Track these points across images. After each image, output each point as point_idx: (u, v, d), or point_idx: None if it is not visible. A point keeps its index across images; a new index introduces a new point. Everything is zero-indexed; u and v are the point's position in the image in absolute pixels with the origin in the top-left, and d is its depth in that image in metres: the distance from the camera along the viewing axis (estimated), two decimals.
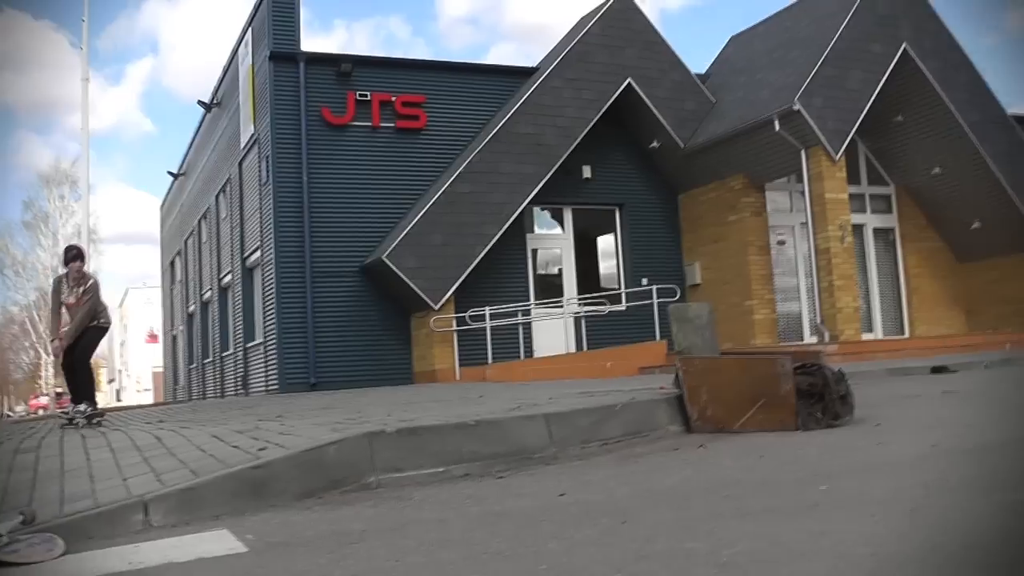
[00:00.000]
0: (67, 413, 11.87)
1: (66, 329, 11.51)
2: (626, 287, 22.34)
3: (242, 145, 23.13)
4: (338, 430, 6.01)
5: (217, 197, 26.67)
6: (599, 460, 6.09)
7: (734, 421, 7.00)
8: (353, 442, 5.48)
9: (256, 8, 22.17)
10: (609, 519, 4.04)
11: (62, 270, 11.85)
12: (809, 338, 22.28)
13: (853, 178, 23.45)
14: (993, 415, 7.46)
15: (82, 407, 11.48)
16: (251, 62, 22.31)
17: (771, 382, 6.98)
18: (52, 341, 12.29)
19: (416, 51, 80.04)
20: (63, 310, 11.69)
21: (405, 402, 10.51)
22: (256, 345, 22.13)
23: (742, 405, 7.02)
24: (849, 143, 21.27)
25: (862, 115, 21.24)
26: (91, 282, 11.71)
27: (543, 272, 22.64)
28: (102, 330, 11.92)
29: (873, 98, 21.48)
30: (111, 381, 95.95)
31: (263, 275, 21.43)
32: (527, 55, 59.31)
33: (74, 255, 11.71)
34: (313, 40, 72.41)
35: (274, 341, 20.23)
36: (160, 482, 5.04)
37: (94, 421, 11.39)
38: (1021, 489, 4.10)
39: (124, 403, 64.24)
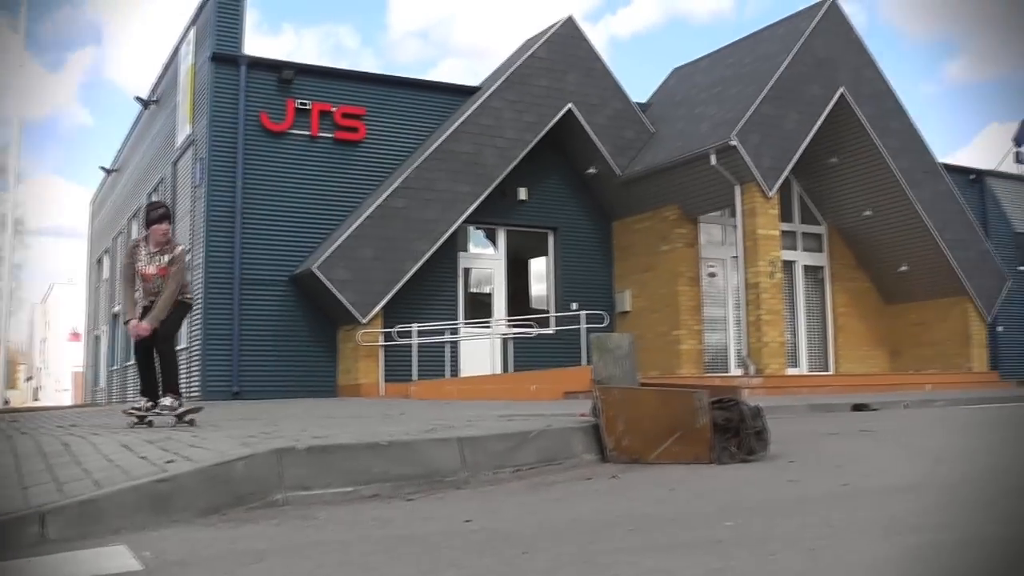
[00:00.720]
0: (138, 410, 9.50)
1: (145, 304, 9.52)
2: (556, 311, 22.38)
3: (177, 145, 22.89)
4: (249, 444, 5.93)
5: (149, 196, 26.32)
6: (511, 486, 6.06)
7: (650, 452, 7.00)
8: (262, 458, 5.40)
9: (201, 7, 21.98)
10: (512, 549, 4.02)
11: (139, 233, 9.96)
12: (735, 370, 22.46)
13: (786, 216, 23.79)
14: (906, 456, 7.53)
15: (168, 401, 9.46)
16: (192, 61, 22.10)
17: (688, 415, 7.00)
18: (127, 321, 9.71)
19: (364, 61, 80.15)
20: (143, 285, 9.62)
21: (324, 416, 10.43)
22: (179, 350, 21.80)
23: (658, 437, 7.03)
24: (784, 181, 21.54)
25: (797, 154, 21.53)
26: (179, 249, 9.81)
27: (475, 291, 22.62)
28: (187, 307, 10.20)
29: (809, 139, 21.80)
30: (29, 379, 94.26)
31: (191, 279, 21.19)
32: (475, 72, 59.64)
33: (161, 214, 9.66)
34: (260, 42, 72.23)
35: (198, 347, 19.99)
36: (61, 492, 4.89)
37: (186, 419, 9.32)
38: (924, 532, 4.13)
39: (41, 403, 63.14)
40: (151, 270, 9.52)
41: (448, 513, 5.13)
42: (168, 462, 5.49)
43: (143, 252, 9.57)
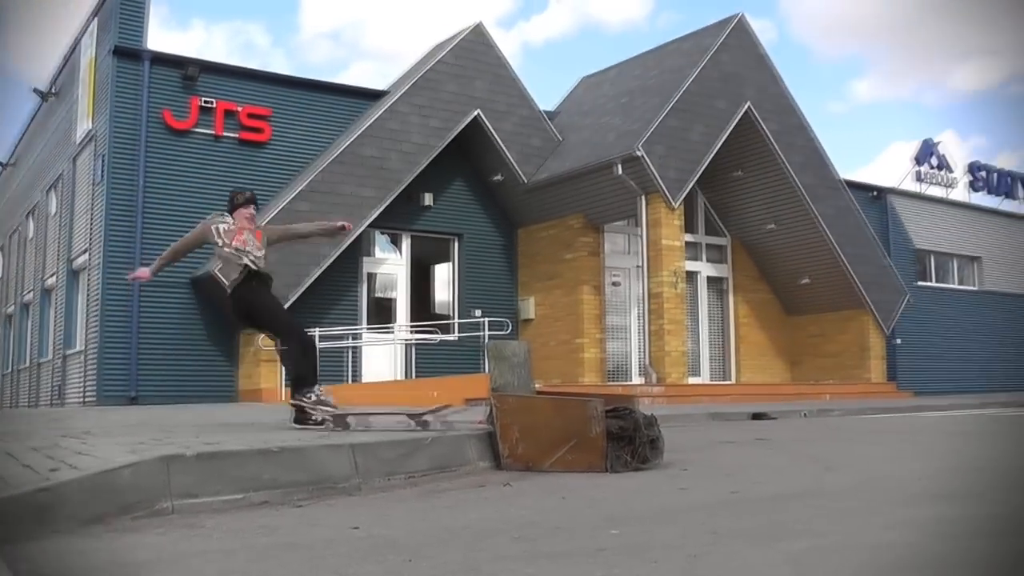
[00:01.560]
0: (307, 409, 8.41)
1: (245, 263, 8.72)
2: (459, 317, 22.35)
3: (77, 141, 22.43)
4: (137, 451, 5.81)
5: (47, 193, 25.82)
6: (402, 493, 6.03)
7: (544, 461, 7.01)
8: (149, 465, 5.30)
9: None
10: (396, 556, 3.99)
11: (222, 220, 9.01)
12: (637, 379, 22.62)
13: (690, 227, 24.08)
14: (797, 464, 7.63)
15: (317, 392, 8.48)
16: (93, 54, 21.64)
17: (582, 424, 7.02)
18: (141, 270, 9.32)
19: (275, 61, 78.79)
20: (236, 238, 8.80)
21: (220, 422, 10.27)
22: (75, 353, 21.41)
23: (553, 445, 7.04)
24: (688, 193, 21.79)
25: (702, 167, 21.79)
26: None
27: (379, 296, 22.52)
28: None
29: (714, 152, 22.08)
30: None
31: (89, 279, 20.80)
32: (387, 76, 59.15)
33: (248, 197, 9.10)
34: (168, 37, 70.82)
35: (95, 350, 19.58)
36: None
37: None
38: (807, 538, 4.18)
39: None
40: (246, 236, 8.84)
41: (336, 520, 5.09)
42: (52, 470, 5.36)
43: (219, 236, 8.86)
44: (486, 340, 20.95)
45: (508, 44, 76.37)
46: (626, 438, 7.10)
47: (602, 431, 7.00)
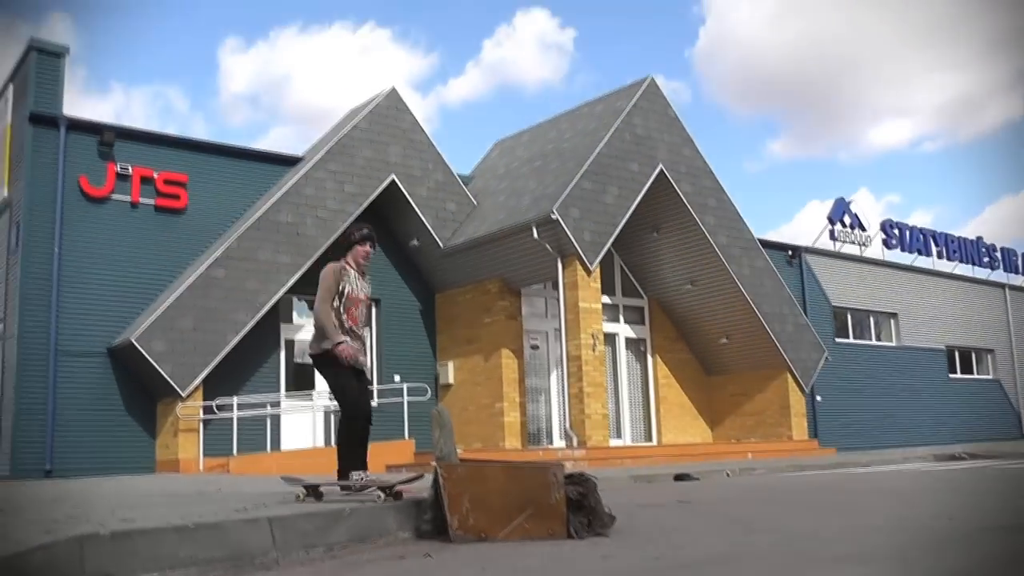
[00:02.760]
0: (356, 485, 8.04)
1: (361, 335, 8.43)
2: (379, 383, 22.23)
3: None
4: (51, 531, 5.70)
5: None
6: (321, 567, 5.97)
7: (498, 530, 6.89)
8: (63, 546, 5.19)
9: (20, 62, 21.26)
10: None
11: (349, 258, 8.49)
12: (558, 442, 22.62)
13: (608, 288, 24.26)
14: (719, 526, 7.66)
15: (361, 474, 8.16)
16: (9, 120, 21.39)
17: (542, 490, 6.96)
18: (339, 344, 8.09)
19: (194, 125, 78.35)
20: (351, 311, 8.34)
21: (138, 495, 10.12)
22: None
23: (508, 514, 6.95)
24: (605, 255, 21.90)
25: (618, 229, 21.96)
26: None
27: (299, 362, 22.33)
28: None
29: (629, 214, 22.24)
30: None
31: (3, 350, 20.36)
32: (307, 139, 59.21)
33: (366, 235, 8.59)
34: (87, 101, 70.08)
35: (9, 422, 19.14)
36: None
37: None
38: None
39: None
40: (362, 295, 8.45)
41: None
42: None
43: (352, 275, 8.39)
44: (406, 405, 20.96)
45: (426, 108, 76.89)
46: (584, 504, 7.09)
47: (563, 497, 6.96)
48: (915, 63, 79.11)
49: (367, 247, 8.55)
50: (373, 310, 22.98)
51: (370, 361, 23.08)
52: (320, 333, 8.28)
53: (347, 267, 8.42)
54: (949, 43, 75.82)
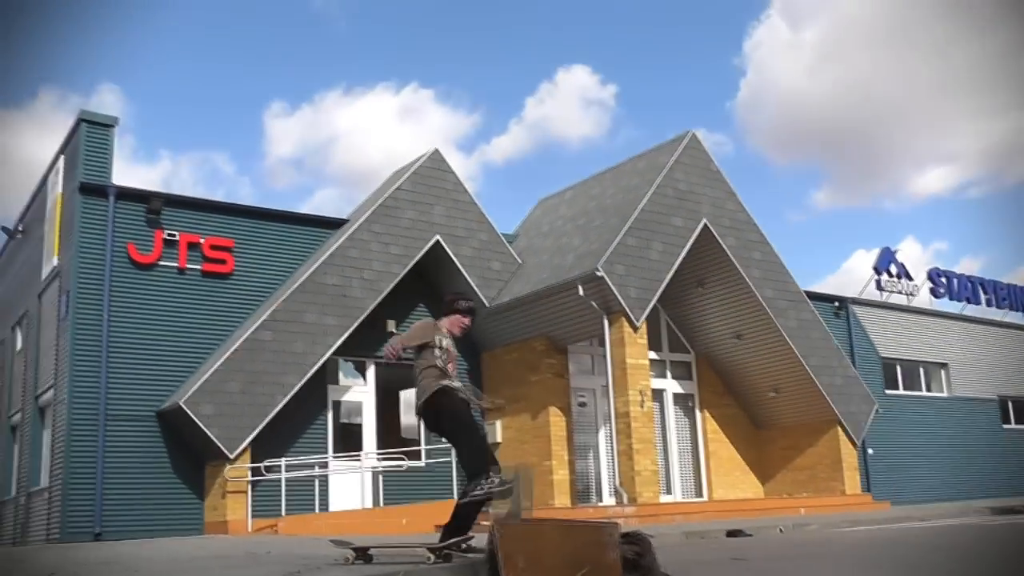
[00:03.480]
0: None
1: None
2: (427, 443, 22.22)
3: (43, 277, 22.38)
4: None
5: (13, 329, 25.73)
6: None
7: None
8: None
9: (70, 135, 21.66)
10: None
11: (445, 322, 8.88)
12: (608, 499, 22.52)
13: (654, 344, 24.21)
14: None
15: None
16: (60, 191, 21.76)
17: (596, 549, 6.91)
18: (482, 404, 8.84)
19: (241, 189, 79.34)
20: (452, 365, 8.71)
21: (188, 558, 10.19)
22: (40, 490, 21.12)
23: (563, 573, 6.91)
24: (651, 311, 21.85)
25: (663, 285, 21.92)
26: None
27: (345, 422, 22.39)
28: None
29: (674, 269, 22.20)
30: None
31: (55, 415, 20.59)
32: (352, 200, 59.72)
33: (469, 307, 9.06)
34: (135, 169, 71.24)
35: (59, 486, 19.30)
36: None
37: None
38: None
39: None
40: (441, 363, 8.61)
41: None
42: None
43: (438, 347, 8.63)
44: (454, 465, 20.92)
45: (469, 167, 77.34)
46: (640, 564, 7.05)
47: (618, 556, 6.92)
48: (958, 108, 78.62)
49: (468, 321, 8.89)
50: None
51: (418, 421, 23.14)
52: (427, 382, 8.42)
53: (440, 327, 8.71)
54: (992, 87, 75.36)
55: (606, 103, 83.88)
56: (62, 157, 22.13)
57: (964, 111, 78.74)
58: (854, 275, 64.74)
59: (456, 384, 8.45)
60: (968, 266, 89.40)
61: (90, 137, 20.57)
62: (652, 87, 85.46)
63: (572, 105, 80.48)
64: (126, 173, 74.63)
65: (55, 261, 21.46)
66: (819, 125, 76.90)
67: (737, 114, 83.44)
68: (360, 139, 77.36)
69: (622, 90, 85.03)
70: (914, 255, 77.27)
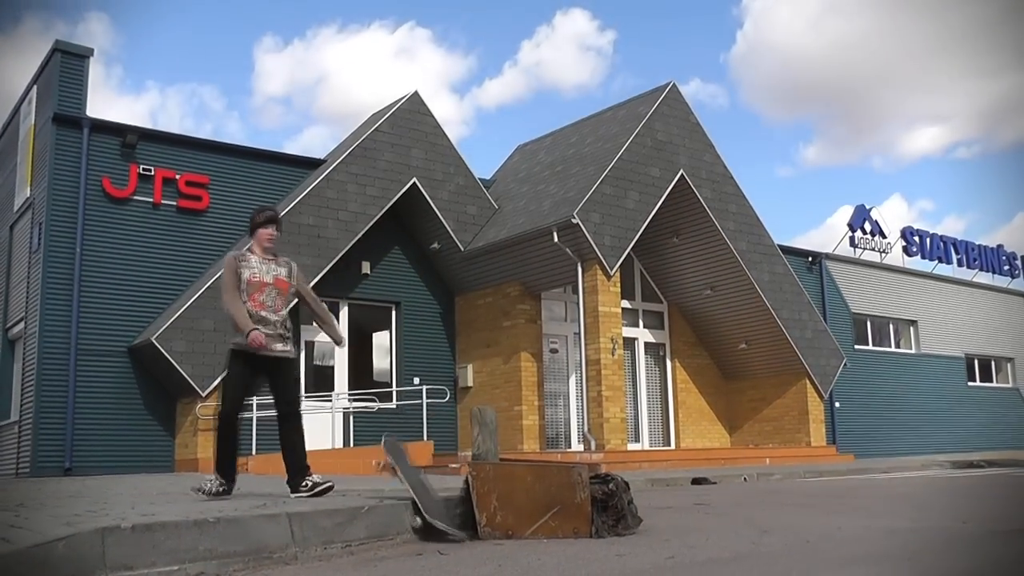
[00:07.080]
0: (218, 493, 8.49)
1: (264, 317, 8.34)
2: (398, 385, 22.30)
3: (16, 208, 22.21)
4: (72, 524, 5.79)
5: None
6: (339, 562, 6.05)
7: (525, 528, 7.01)
8: (84, 537, 5.28)
9: (43, 65, 21.43)
10: None
11: (253, 244, 8.63)
12: (576, 446, 22.65)
13: (628, 293, 24.29)
14: (734, 528, 7.69)
15: (315, 479, 8.65)
16: (33, 122, 21.54)
17: (567, 490, 7.06)
18: (249, 332, 8.19)
19: (229, 125, 78.74)
20: (254, 296, 8.37)
21: (157, 493, 10.21)
22: (10, 424, 21.05)
23: (534, 512, 7.04)
24: (625, 260, 21.93)
25: (638, 234, 21.97)
26: (295, 265, 8.87)
27: (318, 364, 22.43)
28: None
29: (649, 219, 22.25)
30: None
31: (25, 348, 20.53)
32: (341, 140, 59.49)
33: (269, 217, 8.67)
34: (122, 100, 70.49)
35: (29, 420, 19.25)
36: None
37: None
38: None
39: None
40: (268, 279, 8.44)
41: None
42: None
43: (253, 260, 8.48)
44: (425, 408, 21.02)
45: (462, 108, 76.88)
46: (610, 504, 7.17)
47: (587, 497, 7.06)
48: (951, 68, 78.67)
49: (270, 230, 8.59)
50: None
51: (389, 363, 23.21)
52: (232, 327, 8.34)
53: (245, 254, 8.54)
54: (986, 48, 75.41)
55: (603, 50, 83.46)
56: (35, 87, 21.87)
57: (957, 70, 78.86)
58: (837, 231, 64.99)
59: (255, 335, 8.19)
60: (952, 225, 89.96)
61: (65, 67, 20.33)
62: (649, 35, 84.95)
63: (569, 50, 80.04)
64: (111, 104, 73.68)
65: (28, 192, 21.27)
66: (812, 81, 76.97)
67: (731, 66, 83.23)
68: (351, 78, 76.75)
69: (619, 37, 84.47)
70: (899, 213, 77.51)
